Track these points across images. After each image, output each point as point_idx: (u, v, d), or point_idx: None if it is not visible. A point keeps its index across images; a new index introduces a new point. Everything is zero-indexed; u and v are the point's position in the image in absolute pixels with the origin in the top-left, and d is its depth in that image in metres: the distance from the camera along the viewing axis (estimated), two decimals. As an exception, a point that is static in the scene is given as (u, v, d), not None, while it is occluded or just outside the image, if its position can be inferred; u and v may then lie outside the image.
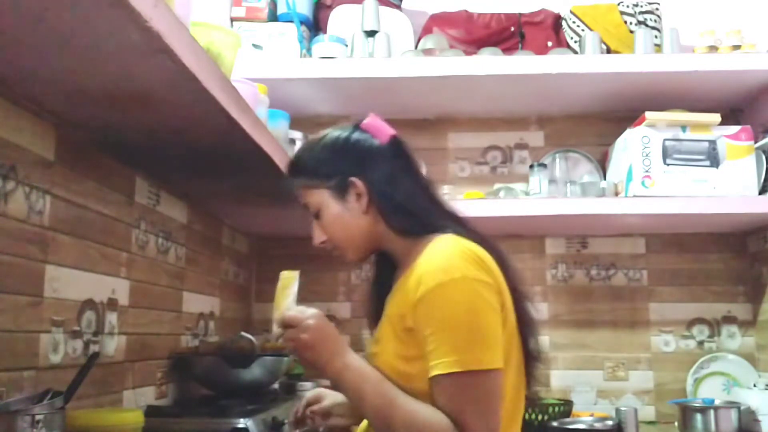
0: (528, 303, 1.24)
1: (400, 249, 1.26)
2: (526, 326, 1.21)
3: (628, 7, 2.58)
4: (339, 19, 2.57)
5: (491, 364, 1.09)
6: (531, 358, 1.22)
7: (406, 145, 1.30)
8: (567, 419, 2.18)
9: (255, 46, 2.41)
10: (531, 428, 2.18)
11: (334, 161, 1.26)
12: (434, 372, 1.08)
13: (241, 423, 1.48)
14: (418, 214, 1.23)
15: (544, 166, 2.48)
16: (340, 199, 1.25)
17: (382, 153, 1.26)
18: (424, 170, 1.32)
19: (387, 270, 1.31)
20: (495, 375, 1.09)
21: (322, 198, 1.26)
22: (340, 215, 1.25)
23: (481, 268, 1.12)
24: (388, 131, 1.29)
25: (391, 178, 1.23)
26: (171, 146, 1.47)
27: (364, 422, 1.28)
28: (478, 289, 1.10)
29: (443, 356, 1.08)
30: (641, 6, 2.58)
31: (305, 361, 1.18)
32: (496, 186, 2.56)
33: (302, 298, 2.84)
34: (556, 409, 2.20)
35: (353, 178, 1.23)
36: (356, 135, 1.28)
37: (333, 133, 1.31)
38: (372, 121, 1.29)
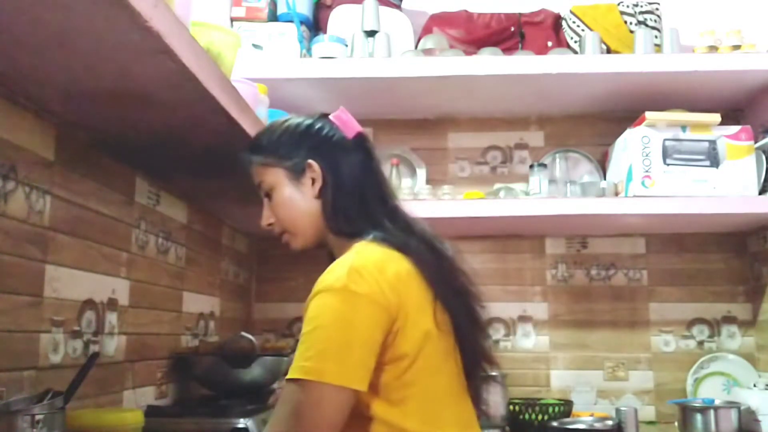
0: (471, 308, 1.22)
1: (333, 247, 1.26)
2: (464, 334, 1.19)
3: (628, 7, 2.58)
4: (339, 19, 2.57)
5: (333, 378, 1.02)
6: (473, 364, 1.20)
7: (370, 144, 1.29)
8: (567, 419, 2.18)
9: (255, 46, 2.41)
10: (531, 428, 2.18)
11: (295, 143, 1.26)
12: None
13: (241, 423, 1.48)
14: (353, 215, 1.22)
15: (544, 166, 2.48)
16: (294, 181, 1.25)
17: (343, 146, 1.25)
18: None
19: None
20: (333, 390, 1.02)
21: (277, 178, 1.26)
22: (291, 197, 1.25)
23: (372, 283, 1.08)
24: (355, 127, 1.28)
25: (346, 172, 1.23)
26: (171, 146, 1.47)
27: None
28: (357, 303, 1.06)
29: (294, 363, 1.05)
30: (641, 6, 2.58)
31: None
32: (496, 186, 2.56)
33: (302, 298, 2.85)
34: (556, 409, 2.20)
35: (311, 161, 1.24)
36: (321, 124, 1.28)
37: (298, 117, 1.31)
38: (341, 114, 1.29)
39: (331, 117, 1.29)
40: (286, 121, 1.31)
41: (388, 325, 1.08)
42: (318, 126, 1.28)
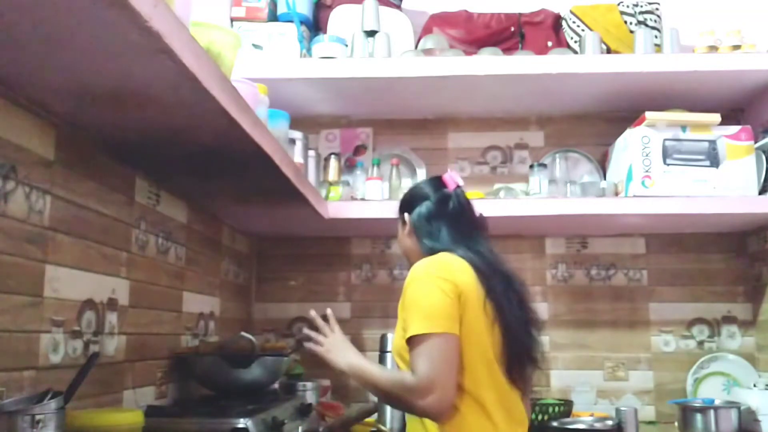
0: (518, 308, 1.59)
1: None
2: (509, 330, 1.54)
3: (628, 7, 2.58)
4: (339, 19, 2.58)
5: (434, 329, 1.46)
6: (516, 358, 1.56)
7: (457, 195, 1.71)
8: (567, 419, 2.19)
9: (255, 46, 2.41)
10: (531, 428, 2.17)
11: (402, 202, 1.79)
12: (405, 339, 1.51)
13: (241, 423, 1.48)
14: (433, 240, 1.66)
15: (544, 166, 2.48)
16: (401, 228, 1.77)
17: (431, 198, 1.71)
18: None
19: None
20: (439, 337, 1.46)
21: (398, 227, 1.78)
22: (400, 238, 1.78)
23: (443, 271, 1.53)
24: (453, 184, 1.72)
25: (426, 215, 1.70)
26: (171, 146, 1.47)
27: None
28: (435, 281, 1.51)
29: (408, 327, 1.49)
30: (641, 6, 2.58)
31: (319, 354, 1.68)
32: (496, 186, 2.56)
33: (302, 298, 2.86)
34: (556, 409, 2.20)
35: (405, 214, 1.75)
36: (421, 185, 1.78)
37: (423, 180, 1.95)
38: (446, 176, 1.75)
39: (443, 177, 1.74)
40: (412, 187, 1.85)
41: (458, 295, 1.50)
42: (417, 187, 1.79)
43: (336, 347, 1.68)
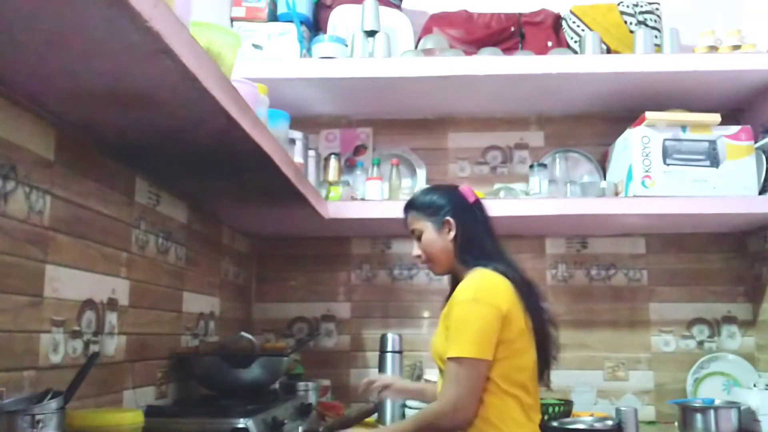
0: (545, 322, 1.76)
1: (459, 273, 1.77)
2: (541, 334, 1.73)
3: (628, 7, 2.58)
4: (339, 19, 2.58)
5: (469, 353, 1.62)
6: (546, 354, 1.76)
7: (484, 205, 1.83)
8: (567, 419, 2.18)
9: (255, 46, 2.41)
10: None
11: (441, 204, 1.80)
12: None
13: (241, 423, 1.48)
14: (474, 252, 1.76)
15: (544, 166, 2.48)
16: (437, 229, 1.79)
17: (468, 207, 1.80)
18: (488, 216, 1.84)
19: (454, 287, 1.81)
20: (472, 361, 1.61)
21: (426, 226, 1.80)
22: (435, 239, 1.79)
23: (490, 294, 1.65)
24: (473, 197, 1.82)
25: (470, 224, 1.78)
26: (171, 146, 1.47)
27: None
28: (481, 307, 1.64)
29: (450, 345, 1.64)
30: (641, 6, 2.58)
31: None
32: (496, 186, 2.56)
33: (302, 298, 2.86)
34: (556, 409, 2.20)
35: (449, 218, 1.78)
36: (456, 192, 1.83)
37: (441, 186, 1.93)
38: (465, 188, 1.84)
39: (459, 188, 1.83)
40: (433, 187, 1.91)
41: (501, 320, 1.64)
42: (454, 193, 1.82)
43: None
